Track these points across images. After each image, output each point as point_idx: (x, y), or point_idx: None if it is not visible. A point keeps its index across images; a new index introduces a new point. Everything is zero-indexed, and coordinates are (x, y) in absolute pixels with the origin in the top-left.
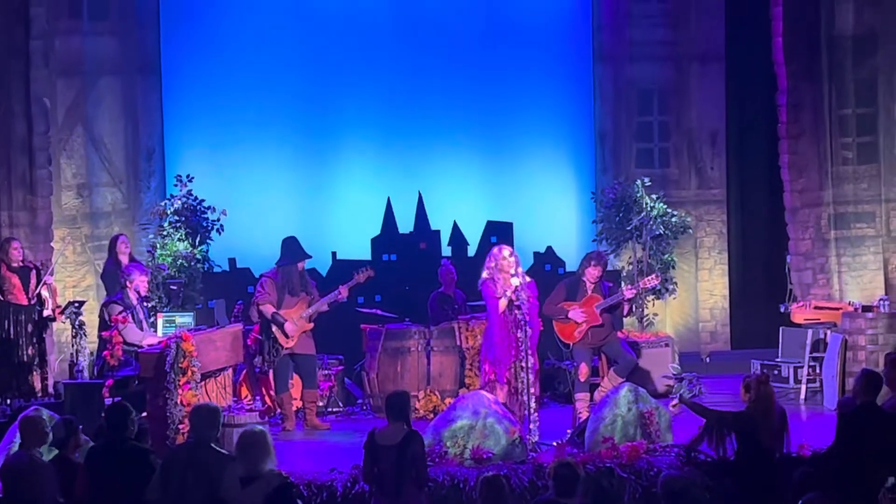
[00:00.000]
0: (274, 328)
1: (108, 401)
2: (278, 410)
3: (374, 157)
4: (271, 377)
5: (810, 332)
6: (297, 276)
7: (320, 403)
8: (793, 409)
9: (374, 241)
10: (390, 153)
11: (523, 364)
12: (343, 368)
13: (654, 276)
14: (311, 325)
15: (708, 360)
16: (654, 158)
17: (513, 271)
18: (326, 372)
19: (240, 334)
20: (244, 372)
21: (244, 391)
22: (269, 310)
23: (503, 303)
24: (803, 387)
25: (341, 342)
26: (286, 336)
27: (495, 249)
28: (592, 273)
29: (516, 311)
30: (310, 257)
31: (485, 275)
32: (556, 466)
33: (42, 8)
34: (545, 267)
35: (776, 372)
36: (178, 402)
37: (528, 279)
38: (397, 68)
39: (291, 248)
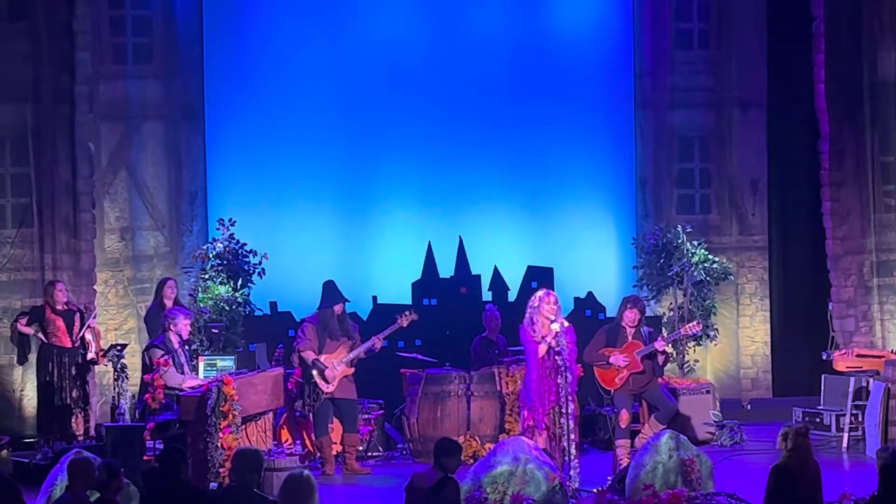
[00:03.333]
0: (314, 373)
1: (149, 444)
2: (318, 454)
3: (415, 202)
4: (311, 421)
5: (853, 380)
6: (336, 320)
7: (360, 448)
8: (835, 458)
9: (415, 286)
10: (431, 198)
11: (563, 410)
12: (383, 413)
13: (695, 322)
14: (352, 369)
15: (749, 407)
16: (696, 204)
17: (553, 317)
18: (366, 416)
19: (280, 378)
20: (284, 416)
21: (284, 435)
22: (309, 356)
23: (543, 348)
24: (845, 435)
25: (381, 386)
26: (326, 381)
27: (541, 293)
28: (630, 317)
29: (556, 357)
30: (347, 301)
31: (525, 321)
32: None
33: (87, 53)
34: (586, 312)
35: (818, 420)
36: (219, 445)
37: (566, 324)
38: (439, 115)
39: (329, 292)
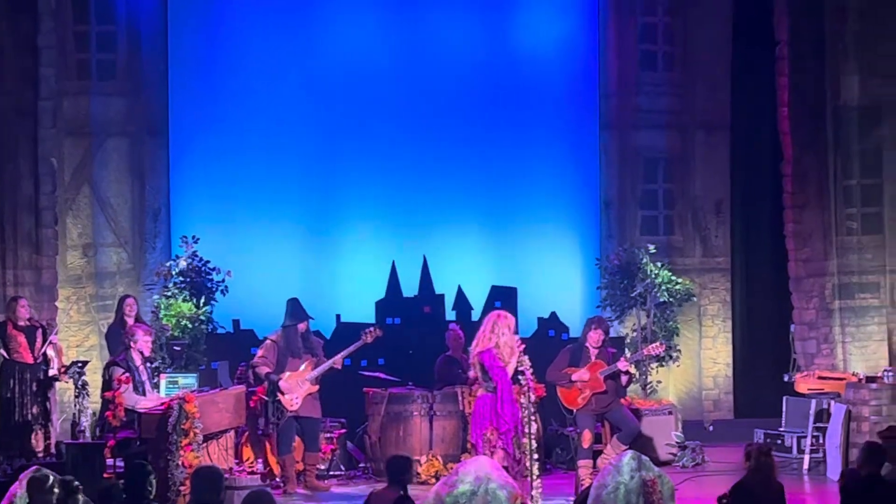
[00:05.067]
0: (277, 391)
1: (109, 461)
2: (280, 473)
3: (379, 221)
4: (274, 439)
5: (814, 402)
6: (300, 338)
7: (321, 467)
8: (795, 479)
9: (379, 305)
10: (395, 217)
11: (526, 430)
12: (345, 432)
13: (657, 343)
14: (317, 387)
15: (711, 428)
16: (659, 226)
17: (515, 339)
18: (328, 435)
19: (243, 396)
20: (246, 434)
21: (246, 453)
22: (262, 370)
23: (511, 369)
24: (806, 457)
25: (344, 405)
26: (282, 393)
27: (500, 320)
28: (594, 337)
29: (520, 377)
30: (310, 319)
31: (486, 343)
32: None
33: (52, 69)
34: (549, 332)
35: (779, 441)
36: (180, 463)
37: (520, 344)
38: (404, 134)
39: (292, 310)
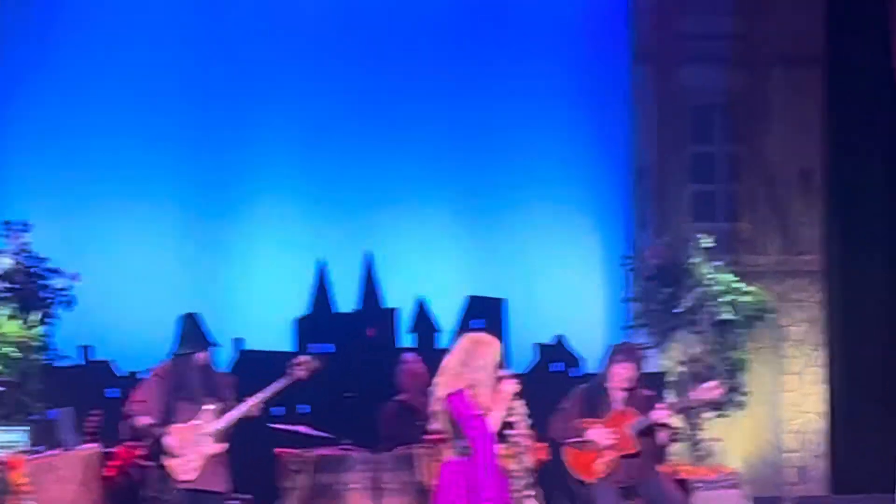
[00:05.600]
0: (164, 451)
1: None
2: None
3: (300, 203)
4: None
5: None
6: (197, 374)
7: None
8: None
9: (300, 325)
10: (325, 197)
11: None
12: None
13: (714, 383)
14: (223, 446)
15: None
16: (717, 207)
17: (499, 373)
18: None
19: (95, 459)
20: None
21: None
22: (141, 422)
23: (496, 421)
24: None
25: (247, 475)
26: (172, 456)
27: (478, 347)
28: (620, 374)
29: (509, 433)
30: (213, 346)
31: (456, 381)
32: None
33: None
34: (553, 367)
35: None
36: None
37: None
38: (338, 79)
39: (187, 332)
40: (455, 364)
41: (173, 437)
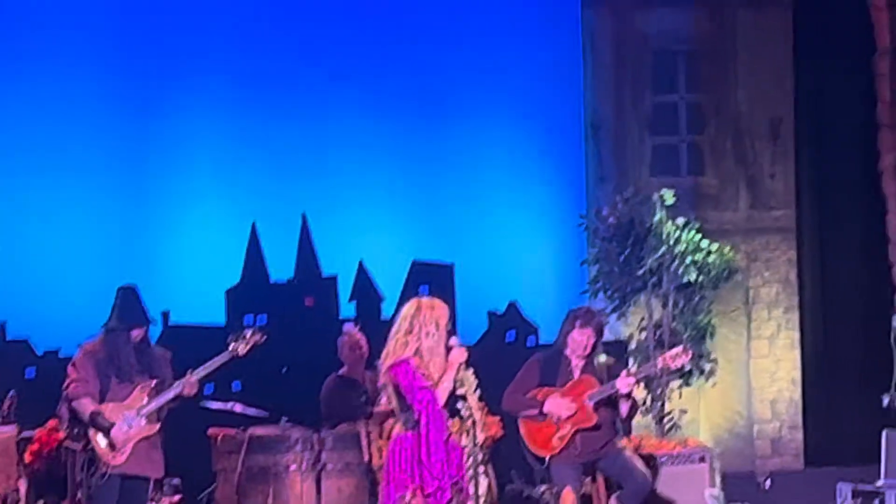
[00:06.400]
0: (92, 432)
1: None
2: None
3: (228, 158)
4: None
5: None
6: (133, 351)
7: None
8: None
9: (231, 295)
10: (254, 153)
11: (471, 490)
12: (182, 500)
13: (678, 350)
14: (156, 426)
15: (769, 483)
16: (681, 161)
17: (450, 340)
18: None
19: (13, 444)
20: None
21: None
22: (86, 407)
23: (444, 392)
24: None
25: (178, 457)
26: (113, 447)
27: (423, 312)
28: (579, 341)
29: (460, 406)
30: (148, 322)
31: (400, 351)
32: None
33: None
34: (507, 336)
35: (876, 502)
36: None
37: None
38: (273, 36)
39: (121, 306)
40: (400, 332)
41: (104, 416)
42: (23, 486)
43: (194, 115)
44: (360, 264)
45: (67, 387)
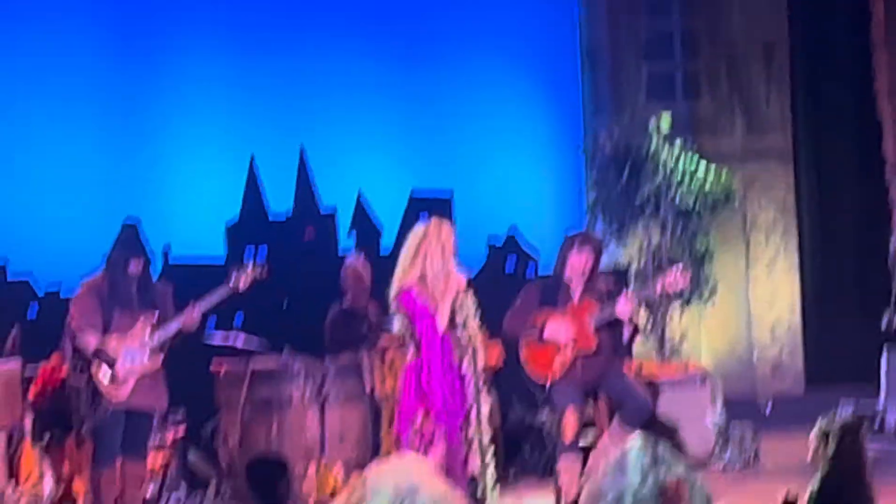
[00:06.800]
0: (95, 367)
1: None
2: (87, 498)
3: (224, 91)
4: (76, 446)
5: None
6: (134, 284)
7: (150, 489)
8: None
9: (231, 230)
10: (253, 85)
11: (473, 414)
12: (186, 433)
13: (677, 273)
14: (159, 360)
15: (769, 406)
16: (676, 88)
17: (449, 265)
18: (158, 439)
19: (16, 379)
20: (25, 440)
21: (26, 469)
22: (88, 342)
23: (443, 318)
24: None
25: (182, 390)
26: (115, 381)
27: (430, 235)
28: (578, 265)
29: (459, 331)
30: (147, 254)
31: (407, 277)
32: None
33: None
34: (507, 265)
35: (876, 422)
36: None
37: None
38: None
39: (122, 242)
40: (408, 257)
41: (107, 351)
42: (28, 421)
43: (194, 51)
44: (359, 197)
45: (69, 323)
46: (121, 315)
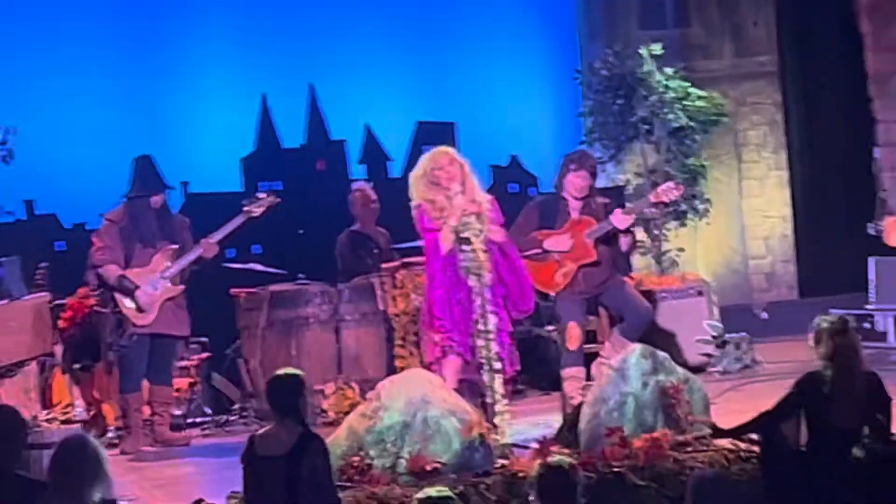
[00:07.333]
0: (118, 297)
1: None
2: (114, 422)
3: (236, 34)
4: (103, 372)
5: None
6: (154, 217)
7: (177, 411)
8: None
9: (246, 163)
10: (262, 25)
11: (480, 328)
12: (209, 357)
13: (671, 184)
14: (180, 288)
15: (764, 314)
16: (667, 14)
17: (457, 186)
18: (182, 364)
19: (46, 309)
20: (58, 367)
21: (57, 395)
22: (112, 273)
23: (447, 237)
24: None
25: (204, 317)
26: (140, 309)
27: (426, 155)
28: (575, 183)
29: (465, 248)
30: (167, 188)
31: (414, 194)
32: (542, 473)
33: None
34: (509, 187)
35: (867, 325)
36: None
37: (486, 197)
38: None
39: (141, 176)
40: (415, 177)
41: (130, 280)
42: (59, 350)
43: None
44: (367, 127)
45: (94, 255)
46: (142, 246)
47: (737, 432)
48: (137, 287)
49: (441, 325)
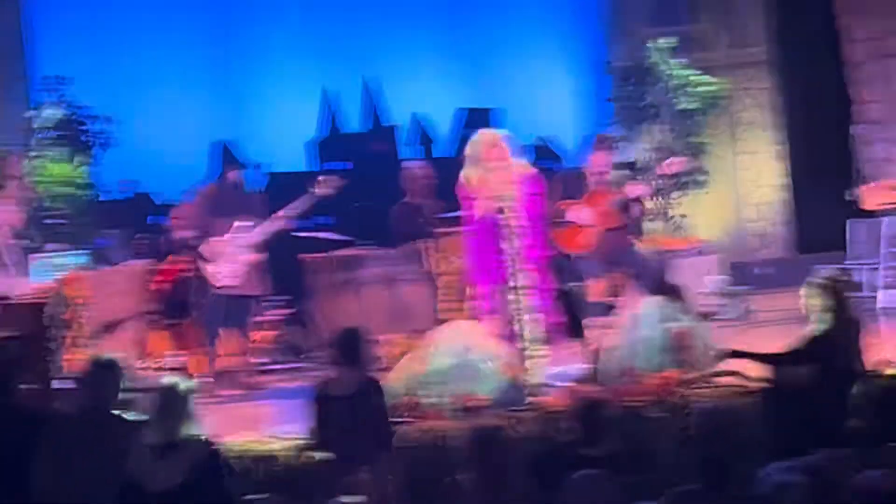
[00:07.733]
0: (202, 262)
1: None
2: (202, 370)
3: (305, 37)
4: (190, 327)
5: (886, 220)
6: (232, 192)
7: (255, 360)
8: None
9: (317, 146)
10: (322, 27)
11: (513, 284)
12: (285, 313)
13: (674, 158)
14: (260, 255)
15: (759, 271)
16: (680, 9)
17: (492, 164)
18: (264, 319)
19: (143, 274)
20: (152, 324)
21: (152, 347)
22: (180, 234)
23: (481, 205)
24: (881, 293)
25: (280, 278)
26: (219, 273)
27: (473, 138)
28: (597, 161)
29: (502, 214)
30: (242, 167)
31: (463, 171)
32: (581, 407)
33: None
34: (540, 163)
35: (846, 279)
36: (63, 367)
37: (528, 171)
38: None
39: (220, 157)
40: (473, 155)
41: (213, 248)
42: (153, 309)
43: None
44: (414, 115)
45: (179, 224)
46: (222, 219)
47: (752, 356)
48: (219, 255)
49: (476, 281)
